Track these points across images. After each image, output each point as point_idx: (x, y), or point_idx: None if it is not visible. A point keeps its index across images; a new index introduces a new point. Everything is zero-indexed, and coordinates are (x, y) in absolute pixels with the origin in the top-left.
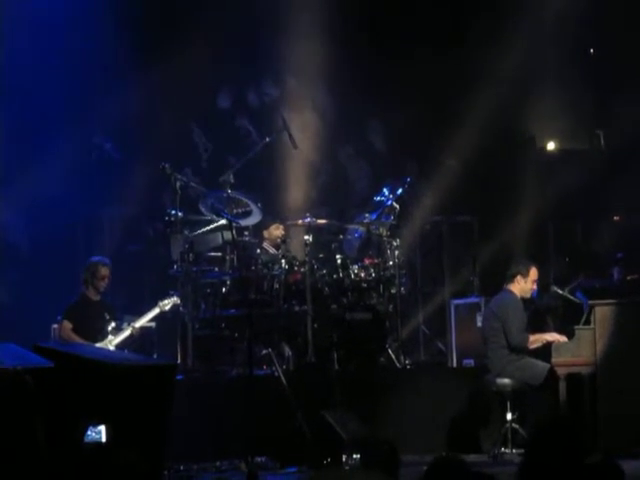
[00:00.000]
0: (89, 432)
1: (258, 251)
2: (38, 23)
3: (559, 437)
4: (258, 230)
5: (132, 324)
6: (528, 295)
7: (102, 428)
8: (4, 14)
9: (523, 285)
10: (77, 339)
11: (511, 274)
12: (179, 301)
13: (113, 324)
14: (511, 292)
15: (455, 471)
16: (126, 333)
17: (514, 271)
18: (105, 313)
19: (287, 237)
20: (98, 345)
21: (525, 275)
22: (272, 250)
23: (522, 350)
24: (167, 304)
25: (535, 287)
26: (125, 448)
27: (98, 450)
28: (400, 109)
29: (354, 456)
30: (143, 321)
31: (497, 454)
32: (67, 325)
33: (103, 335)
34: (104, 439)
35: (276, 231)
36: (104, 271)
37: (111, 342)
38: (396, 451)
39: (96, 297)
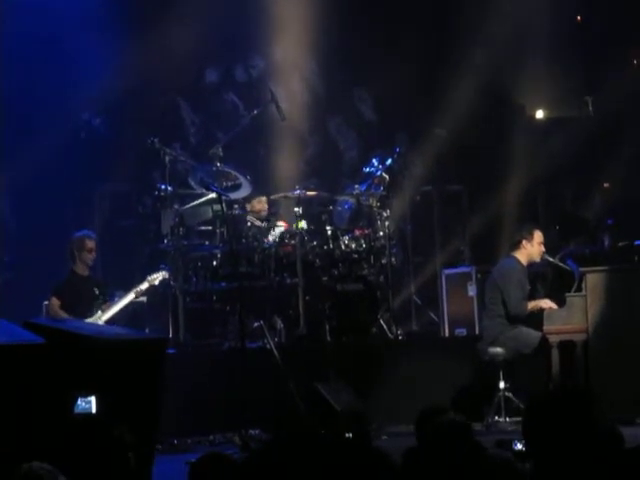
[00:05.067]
0: (79, 402)
1: (248, 224)
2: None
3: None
4: (243, 203)
5: (118, 301)
6: (537, 258)
7: (92, 399)
8: None
9: (530, 249)
10: (64, 316)
11: (515, 240)
12: (168, 275)
13: (102, 299)
14: (514, 259)
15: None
16: (119, 305)
17: (518, 237)
18: (95, 288)
19: (276, 210)
20: (87, 321)
21: (530, 239)
22: (257, 222)
23: (520, 319)
24: (156, 279)
25: (543, 249)
26: (117, 422)
27: (88, 422)
28: (388, 79)
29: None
30: (131, 297)
31: (491, 423)
32: (55, 302)
33: (92, 310)
34: (94, 410)
35: (258, 205)
36: (90, 244)
37: (100, 317)
38: None
39: (85, 272)
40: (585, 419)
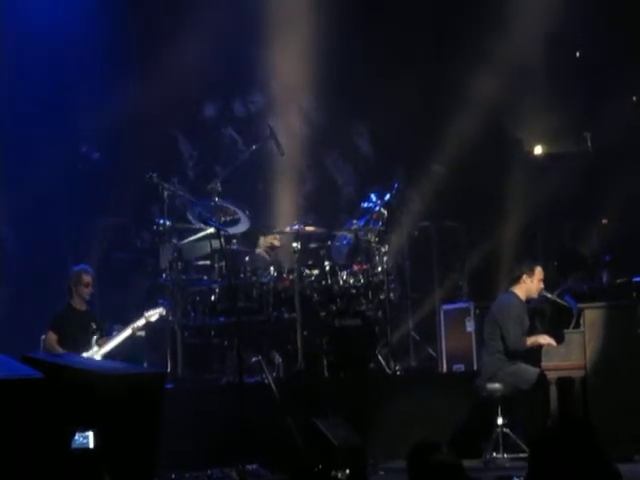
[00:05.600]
0: (77, 437)
1: (247, 258)
2: (22, 30)
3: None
4: (253, 237)
5: (115, 336)
6: (535, 295)
7: (90, 434)
8: None
9: (529, 285)
10: (61, 350)
11: (516, 275)
12: (165, 312)
13: (99, 334)
14: (513, 294)
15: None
16: (117, 341)
17: (518, 272)
18: (92, 323)
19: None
20: (85, 355)
21: (530, 275)
22: (264, 255)
23: (517, 354)
24: (153, 315)
25: (542, 285)
26: (104, 460)
27: (86, 456)
28: (386, 114)
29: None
30: (127, 332)
31: (489, 459)
32: (52, 336)
33: (90, 345)
34: (91, 445)
35: (274, 240)
36: (87, 278)
37: (97, 352)
38: None
39: (82, 307)
40: (590, 453)
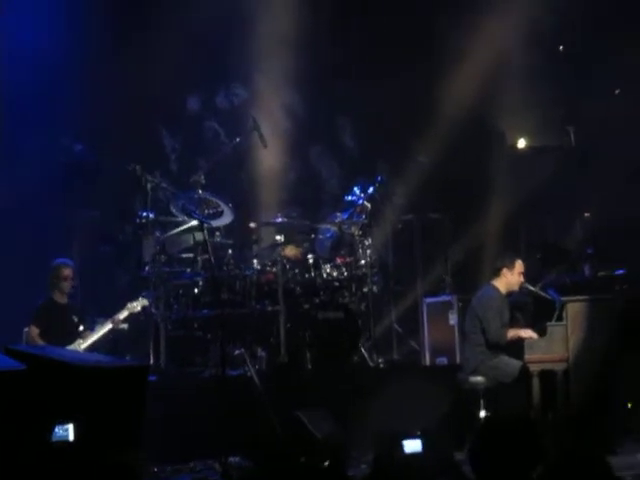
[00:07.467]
0: (56, 430)
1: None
2: (6, 21)
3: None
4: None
5: (98, 329)
6: (516, 288)
7: (70, 426)
8: None
9: (510, 278)
10: (42, 343)
11: (496, 268)
12: (148, 302)
13: (82, 327)
14: (494, 288)
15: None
16: (99, 334)
17: (499, 265)
18: (73, 316)
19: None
20: (67, 348)
21: (511, 268)
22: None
23: (498, 347)
24: (136, 306)
25: (522, 279)
26: (98, 450)
27: (66, 449)
28: (369, 107)
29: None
30: (109, 326)
31: None
32: (34, 330)
33: (72, 338)
34: (71, 437)
35: (290, 252)
36: (67, 272)
37: (80, 345)
38: None
39: (63, 300)
40: (530, 448)
